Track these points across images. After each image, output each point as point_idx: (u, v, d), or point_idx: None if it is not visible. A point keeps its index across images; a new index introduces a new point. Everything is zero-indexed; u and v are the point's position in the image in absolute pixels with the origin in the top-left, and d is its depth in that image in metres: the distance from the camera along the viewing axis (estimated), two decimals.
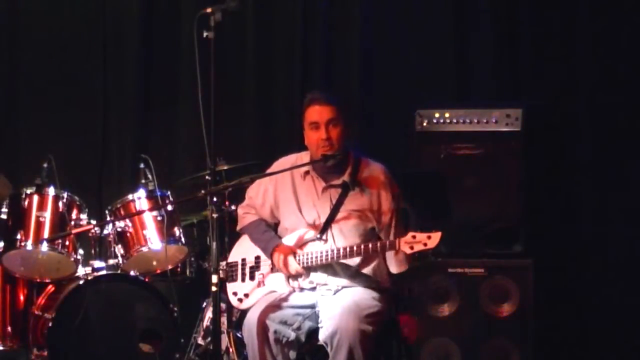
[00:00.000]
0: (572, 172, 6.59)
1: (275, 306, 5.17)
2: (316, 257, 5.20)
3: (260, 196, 5.41)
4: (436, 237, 5.08)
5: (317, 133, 5.23)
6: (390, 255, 5.25)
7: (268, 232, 5.37)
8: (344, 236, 5.24)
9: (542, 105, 6.44)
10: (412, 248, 5.09)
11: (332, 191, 5.30)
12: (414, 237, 5.09)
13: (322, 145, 5.22)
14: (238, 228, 5.48)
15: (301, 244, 5.26)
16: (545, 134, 6.42)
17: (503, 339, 6.03)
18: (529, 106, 6.19)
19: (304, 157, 5.37)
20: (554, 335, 6.32)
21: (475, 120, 6.14)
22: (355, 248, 5.17)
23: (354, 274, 5.27)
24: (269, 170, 5.41)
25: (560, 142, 6.57)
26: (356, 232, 5.24)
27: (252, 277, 5.37)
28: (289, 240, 5.31)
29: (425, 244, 5.08)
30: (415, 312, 5.93)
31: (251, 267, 5.38)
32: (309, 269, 5.25)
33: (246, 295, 5.35)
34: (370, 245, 5.17)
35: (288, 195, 5.35)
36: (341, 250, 5.18)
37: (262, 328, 5.09)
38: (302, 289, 5.29)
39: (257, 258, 5.37)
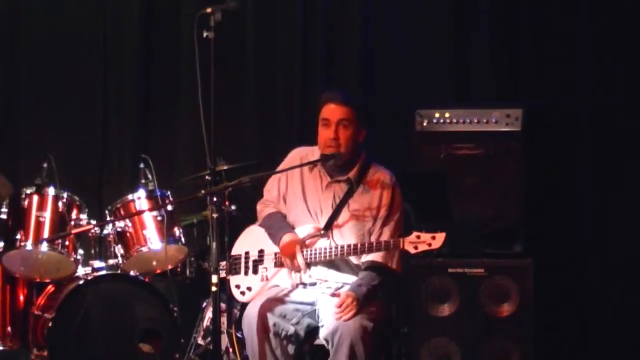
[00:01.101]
0: (572, 172, 6.59)
1: (276, 300, 5.18)
2: (319, 254, 5.22)
3: (275, 188, 5.45)
4: (440, 237, 5.09)
5: (327, 131, 5.26)
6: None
7: (281, 221, 5.38)
8: (342, 237, 5.25)
9: (542, 105, 6.45)
10: (416, 248, 5.10)
11: (335, 187, 5.33)
12: (418, 237, 5.10)
13: (328, 144, 5.25)
14: (257, 224, 5.50)
15: (306, 239, 5.27)
16: (545, 134, 6.42)
17: (503, 339, 6.02)
18: (529, 106, 6.19)
19: (315, 150, 5.39)
20: (554, 335, 6.32)
21: (475, 120, 6.14)
22: (359, 246, 5.17)
23: (355, 271, 5.27)
24: (283, 162, 5.45)
25: (560, 142, 6.57)
26: (354, 233, 5.25)
27: (255, 271, 5.39)
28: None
29: (429, 244, 5.09)
30: (415, 312, 5.94)
31: (254, 261, 5.40)
32: (310, 265, 5.26)
33: (249, 289, 5.37)
34: (374, 245, 5.17)
35: (296, 185, 5.40)
36: (345, 248, 5.19)
37: (262, 321, 5.10)
38: (304, 285, 5.29)
39: (261, 252, 5.39)
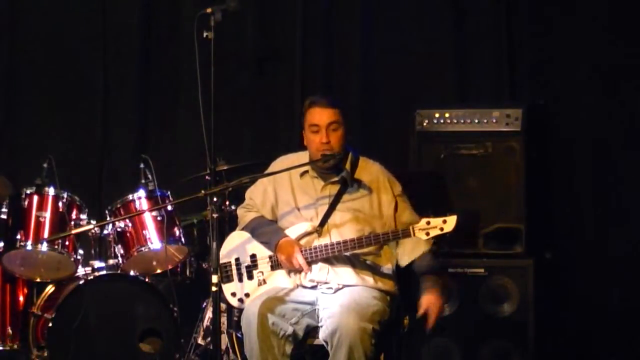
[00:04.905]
0: (572, 171, 6.59)
1: (275, 299, 5.16)
2: (321, 252, 5.20)
3: (261, 195, 5.42)
4: (452, 220, 5.09)
5: (318, 136, 5.24)
6: (402, 244, 5.24)
7: (272, 225, 5.36)
8: (340, 234, 5.24)
9: (542, 105, 6.45)
10: (428, 234, 5.09)
11: (330, 188, 5.31)
12: (428, 222, 5.09)
13: (322, 148, 5.23)
14: (239, 228, 5.47)
15: (301, 237, 5.26)
16: (545, 134, 6.42)
17: (503, 339, 6.03)
18: (529, 106, 6.19)
19: (302, 157, 5.38)
20: (554, 335, 6.32)
21: (475, 120, 6.14)
22: (364, 239, 5.15)
23: (356, 273, 5.26)
24: (267, 170, 5.41)
25: (561, 142, 6.57)
26: (353, 231, 5.23)
27: (250, 277, 5.35)
28: (289, 233, 5.30)
29: (441, 229, 5.09)
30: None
31: (247, 267, 5.36)
32: (311, 263, 5.24)
33: (247, 295, 5.34)
34: (381, 235, 5.16)
35: (287, 194, 5.36)
36: (349, 243, 5.17)
37: (261, 320, 5.07)
38: (304, 287, 5.28)
39: (253, 256, 5.36)
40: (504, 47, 6.73)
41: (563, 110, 6.59)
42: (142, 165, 6.26)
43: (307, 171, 5.35)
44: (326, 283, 5.26)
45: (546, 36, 6.67)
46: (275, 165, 5.42)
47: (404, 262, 5.28)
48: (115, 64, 7.23)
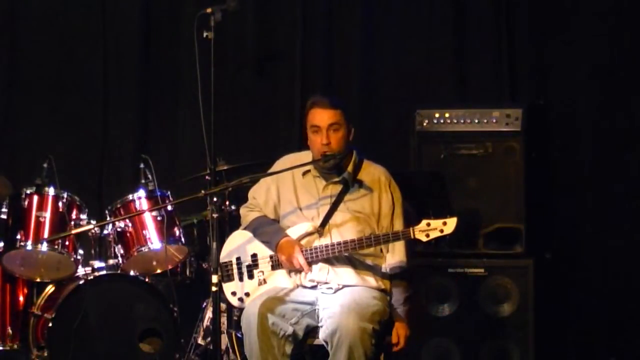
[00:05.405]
0: (572, 172, 6.59)
1: (275, 299, 5.16)
2: (321, 252, 5.20)
3: (264, 195, 5.41)
4: (452, 222, 5.10)
5: (318, 137, 5.23)
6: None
7: (273, 225, 5.36)
8: (342, 236, 5.24)
9: (542, 105, 6.45)
10: (427, 236, 5.09)
11: (332, 188, 5.31)
12: (428, 224, 5.10)
13: (323, 149, 5.23)
14: (242, 228, 5.47)
15: (302, 238, 5.26)
16: (545, 134, 6.42)
17: (503, 339, 6.03)
18: (529, 106, 6.20)
19: (305, 156, 5.37)
20: (554, 335, 6.32)
21: (475, 120, 6.15)
22: (364, 240, 5.15)
23: (356, 273, 5.26)
24: (271, 169, 5.41)
25: (560, 142, 6.58)
26: (355, 235, 5.23)
27: (250, 276, 5.35)
28: (290, 233, 5.30)
29: (441, 230, 5.10)
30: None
31: (248, 266, 5.36)
32: (311, 263, 5.24)
33: (247, 295, 5.33)
34: (381, 236, 5.16)
35: (289, 194, 5.35)
36: (349, 243, 5.17)
37: (261, 320, 5.07)
38: (304, 287, 5.28)
39: (254, 256, 5.36)
40: (504, 47, 6.73)
41: (563, 110, 6.60)
42: (142, 165, 6.26)
43: (309, 170, 5.35)
44: (326, 283, 5.27)
45: (546, 36, 6.67)
46: (278, 165, 5.41)
47: (390, 260, 5.30)
48: (115, 64, 7.23)
